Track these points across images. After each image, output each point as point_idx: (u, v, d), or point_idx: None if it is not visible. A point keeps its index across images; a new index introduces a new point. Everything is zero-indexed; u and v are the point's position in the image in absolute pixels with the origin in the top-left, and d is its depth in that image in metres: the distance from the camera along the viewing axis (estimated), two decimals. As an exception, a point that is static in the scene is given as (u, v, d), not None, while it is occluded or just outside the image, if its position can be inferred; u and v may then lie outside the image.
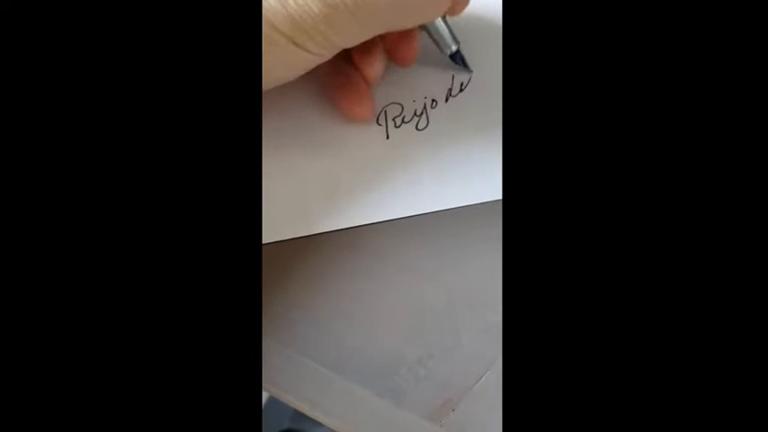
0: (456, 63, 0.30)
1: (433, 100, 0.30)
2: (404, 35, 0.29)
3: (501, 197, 0.28)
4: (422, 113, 0.30)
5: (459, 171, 0.29)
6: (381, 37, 0.29)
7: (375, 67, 0.29)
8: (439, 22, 0.29)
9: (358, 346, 0.25)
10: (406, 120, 0.30)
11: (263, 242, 0.28)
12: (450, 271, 0.26)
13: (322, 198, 0.29)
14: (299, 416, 0.53)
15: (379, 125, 0.30)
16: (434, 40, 0.30)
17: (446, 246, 0.27)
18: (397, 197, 0.29)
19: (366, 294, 0.26)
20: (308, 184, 0.29)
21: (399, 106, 0.30)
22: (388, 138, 0.30)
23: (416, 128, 0.30)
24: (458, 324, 0.25)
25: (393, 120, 0.30)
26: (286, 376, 0.25)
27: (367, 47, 0.28)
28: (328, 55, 0.25)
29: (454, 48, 0.30)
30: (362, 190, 0.29)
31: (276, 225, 0.28)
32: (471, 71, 0.31)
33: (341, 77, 0.29)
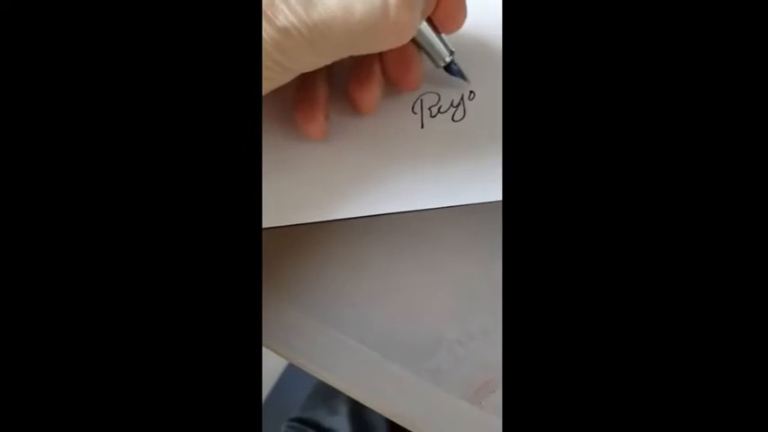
0: (452, 74, 0.29)
1: (471, 91, 0.31)
2: (403, 62, 0.28)
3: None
4: (459, 104, 0.31)
5: (496, 165, 0.29)
6: (379, 63, 0.28)
7: (371, 97, 0.28)
8: (429, 33, 0.28)
9: (398, 325, 0.26)
10: (442, 110, 0.31)
11: (303, 222, 0.28)
12: (493, 255, 0.27)
13: (354, 184, 0.29)
14: (311, 404, 0.54)
15: (414, 114, 0.31)
16: (426, 53, 0.29)
17: (490, 230, 0.27)
18: (429, 187, 0.29)
19: (409, 275, 0.27)
20: (341, 170, 0.30)
21: (436, 96, 0.31)
22: (422, 127, 0.30)
23: (452, 119, 0.30)
24: (497, 306, 0.25)
25: (429, 109, 0.31)
26: (325, 355, 0.26)
27: (363, 76, 0.28)
28: (285, 79, 0.25)
29: (448, 59, 0.29)
30: (394, 179, 0.29)
31: (312, 207, 0.29)
32: (468, 81, 0.30)
33: (301, 92, 0.28)
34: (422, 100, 0.31)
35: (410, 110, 0.31)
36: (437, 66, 0.29)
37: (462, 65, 0.30)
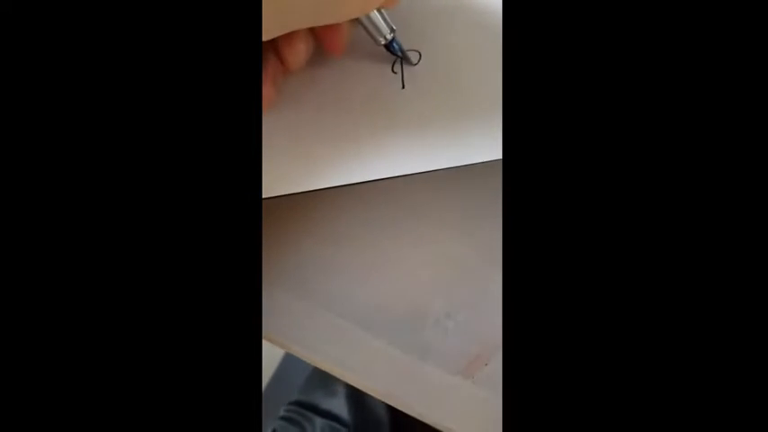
0: (392, 53, 0.28)
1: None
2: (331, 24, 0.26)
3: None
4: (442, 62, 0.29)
5: (482, 124, 0.27)
6: None
7: (295, 52, 0.26)
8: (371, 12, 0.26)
9: (384, 300, 0.24)
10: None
11: (282, 193, 0.27)
12: (480, 224, 0.25)
13: (332, 151, 0.27)
14: (309, 387, 0.53)
15: (395, 74, 0.29)
16: (366, 29, 0.27)
17: (477, 199, 0.26)
18: (412, 152, 0.27)
19: (394, 247, 0.25)
20: (317, 137, 0.28)
21: (417, 53, 0.29)
22: (403, 87, 0.29)
23: (435, 78, 0.29)
24: (486, 277, 0.24)
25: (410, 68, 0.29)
26: (309, 332, 0.24)
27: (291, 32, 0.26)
28: None
29: (389, 36, 0.27)
30: (374, 144, 0.27)
31: (288, 177, 0.27)
32: (412, 62, 0.28)
33: None
34: (402, 59, 0.29)
35: (390, 70, 0.29)
36: (377, 44, 0.27)
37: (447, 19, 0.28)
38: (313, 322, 0.24)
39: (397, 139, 0.27)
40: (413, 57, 0.29)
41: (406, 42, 0.28)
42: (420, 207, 0.26)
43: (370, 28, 0.27)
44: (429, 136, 0.27)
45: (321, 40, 0.27)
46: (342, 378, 0.24)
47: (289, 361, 0.75)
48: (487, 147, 0.27)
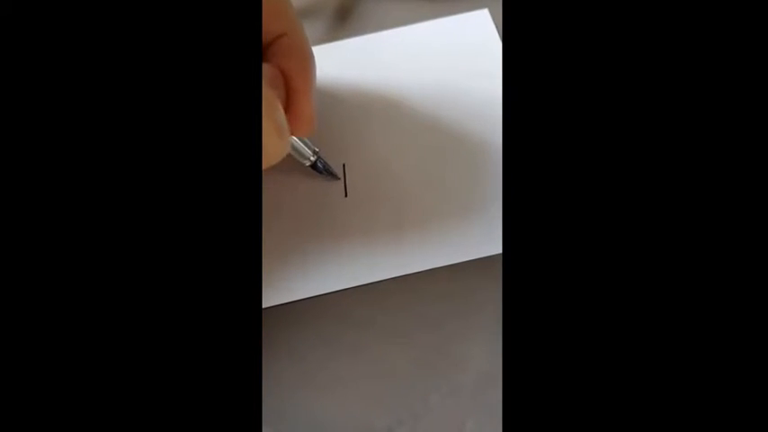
0: (318, 172, 0.29)
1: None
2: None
3: (465, 259, 0.26)
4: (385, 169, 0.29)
5: (423, 233, 0.27)
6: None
7: None
8: (291, 138, 0.27)
9: (326, 417, 0.23)
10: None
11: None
12: (418, 333, 0.24)
13: (272, 266, 0.27)
14: None
15: (338, 179, 0.29)
16: (292, 154, 0.28)
17: (414, 307, 0.25)
18: (357, 263, 0.26)
19: (333, 362, 0.24)
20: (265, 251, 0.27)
21: (342, 168, 0.29)
22: (346, 195, 0.28)
23: (378, 184, 0.29)
24: (428, 388, 0.23)
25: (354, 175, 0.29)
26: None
27: None
28: None
29: (313, 158, 0.28)
30: (319, 256, 0.27)
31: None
32: (338, 178, 0.29)
33: None
34: (344, 165, 0.29)
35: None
36: (304, 165, 0.29)
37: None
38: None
39: (339, 252, 0.27)
40: (339, 173, 0.29)
41: (334, 156, 0.29)
42: (360, 318, 0.25)
43: (295, 153, 0.28)
44: (369, 247, 0.27)
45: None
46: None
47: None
48: (424, 256, 0.26)
